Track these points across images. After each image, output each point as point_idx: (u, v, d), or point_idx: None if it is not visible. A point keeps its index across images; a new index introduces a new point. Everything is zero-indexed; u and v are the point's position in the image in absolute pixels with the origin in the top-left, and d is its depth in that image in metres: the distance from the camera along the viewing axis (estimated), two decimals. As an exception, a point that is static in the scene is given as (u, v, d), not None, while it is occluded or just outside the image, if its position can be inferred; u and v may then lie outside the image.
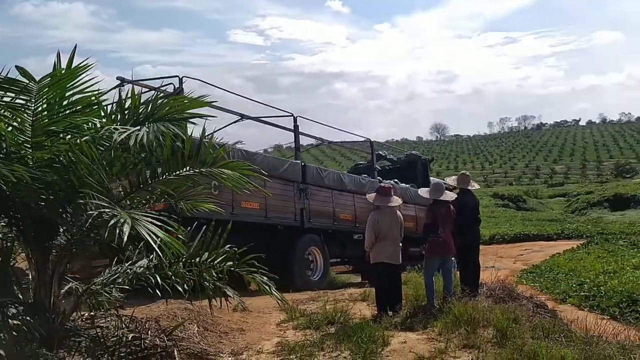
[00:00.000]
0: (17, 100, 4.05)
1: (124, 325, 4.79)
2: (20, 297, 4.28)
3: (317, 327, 6.16)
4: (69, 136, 4.13)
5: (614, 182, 52.43)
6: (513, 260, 18.09)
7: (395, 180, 13.92)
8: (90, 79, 4.09)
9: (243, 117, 11.18)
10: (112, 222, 3.28)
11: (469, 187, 8.09)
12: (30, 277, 4.33)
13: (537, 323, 5.85)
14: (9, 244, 4.38)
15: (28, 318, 3.91)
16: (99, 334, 4.41)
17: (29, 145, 4.01)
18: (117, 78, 8.18)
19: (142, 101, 4.46)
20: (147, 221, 3.39)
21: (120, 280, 4.62)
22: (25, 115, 4.02)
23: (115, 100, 4.44)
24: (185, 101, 4.47)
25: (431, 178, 14.93)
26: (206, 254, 4.59)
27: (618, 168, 66.82)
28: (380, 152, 16.18)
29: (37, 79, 4.01)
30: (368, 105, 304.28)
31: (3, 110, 4.04)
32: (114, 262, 4.86)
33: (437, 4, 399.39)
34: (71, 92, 4.12)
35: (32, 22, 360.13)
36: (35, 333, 3.82)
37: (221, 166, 4.51)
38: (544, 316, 6.75)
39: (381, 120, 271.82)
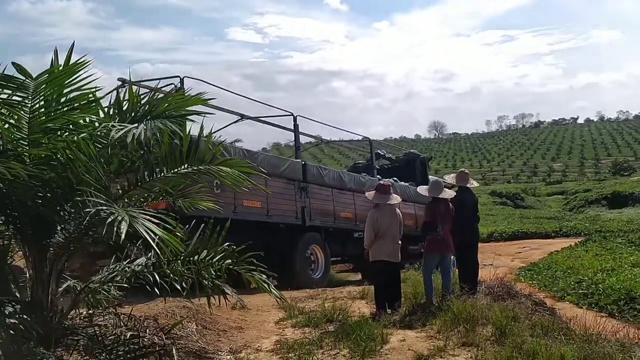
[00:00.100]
0: (14, 98, 4.02)
1: (122, 324, 4.77)
2: (18, 295, 4.26)
3: (316, 325, 6.15)
4: (67, 133, 4.11)
5: (611, 180, 52.58)
6: (511, 258, 18.09)
7: (395, 178, 13.93)
8: (88, 76, 4.07)
9: (243, 117, 11.20)
10: (109, 219, 3.26)
11: (468, 185, 8.08)
12: (27, 275, 4.31)
13: (536, 321, 5.84)
14: (6, 242, 4.35)
15: (25, 316, 3.89)
16: (97, 332, 4.39)
17: (25, 143, 3.98)
18: (119, 79, 8.14)
19: (140, 99, 4.44)
20: (145, 219, 3.37)
21: (118, 278, 4.60)
22: (22, 112, 3.99)
23: (113, 98, 4.42)
24: (183, 98, 4.44)
25: (430, 176, 14.93)
26: (205, 252, 4.57)
27: (616, 166, 66.94)
28: (379, 151, 16.18)
29: (34, 76, 3.99)
30: (366, 103, 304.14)
31: (0, 108, 4.02)
32: (112, 260, 4.86)
33: (435, 2, 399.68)
34: (69, 89, 4.09)
35: (30, 19, 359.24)
36: (33, 331, 3.80)
37: (220, 164, 4.49)
38: (542, 314, 6.74)
39: (379, 119, 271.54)
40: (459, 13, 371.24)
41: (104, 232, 3.38)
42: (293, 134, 11.86)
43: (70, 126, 4.15)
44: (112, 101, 4.33)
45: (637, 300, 9.49)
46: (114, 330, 4.63)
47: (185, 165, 4.38)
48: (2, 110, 4.04)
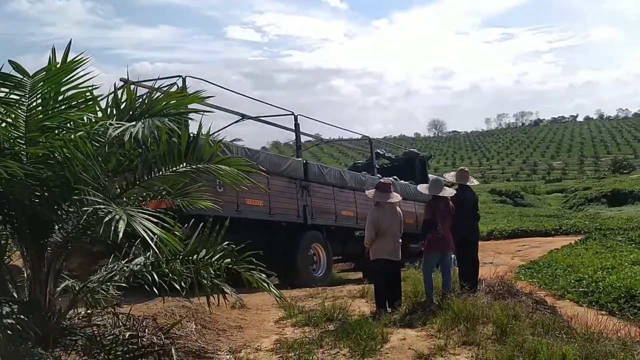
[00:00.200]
0: (12, 96, 3.99)
1: (121, 323, 4.73)
2: (15, 295, 4.22)
3: (315, 324, 6.13)
4: (64, 132, 4.07)
5: (611, 178, 52.61)
6: (511, 256, 18.08)
7: (395, 177, 13.93)
8: (86, 74, 4.03)
9: (244, 117, 11.20)
10: (107, 218, 3.23)
11: (468, 183, 8.06)
12: (25, 275, 4.28)
13: (537, 320, 5.82)
14: (3, 241, 4.32)
15: (22, 317, 3.86)
16: (96, 332, 4.36)
17: (23, 141, 3.94)
18: (121, 79, 8.10)
19: (139, 98, 4.40)
20: (143, 218, 3.34)
21: (117, 277, 4.57)
22: (20, 110, 3.96)
23: (111, 96, 4.38)
24: (181, 97, 4.40)
25: (429, 175, 14.93)
26: (204, 251, 4.54)
27: (615, 164, 66.98)
28: (379, 151, 16.18)
29: (32, 74, 3.95)
30: (365, 101, 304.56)
31: (-3, 106, 3.98)
32: (110, 260, 4.83)
33: (435, 0, 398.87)
34: (66, 87, 4.06)
35: (29, 19, 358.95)
36: (30, 332, 3.77)
37: (219, 162, 4.46)
38: (543, 313, 6.72)
39: (378, 117, 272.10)
40: (458, 11, 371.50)
41: (101, 231, 3.34)
42: (293, 133, 11.88)
43: (68, 124, 4.11)
44: (108, 98, 4.29)
45: (638, 298, 9.47)
46: (113, 330, 4.60)
47: (184, 164, 4.35)
48: (0, 109, 4.00)
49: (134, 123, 3.84)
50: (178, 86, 8.30)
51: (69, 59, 3.96)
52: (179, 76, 8.44)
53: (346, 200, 11.94)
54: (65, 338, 4.18)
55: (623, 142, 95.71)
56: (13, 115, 4.00)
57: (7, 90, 3.96)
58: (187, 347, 5.09)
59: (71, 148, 3.85)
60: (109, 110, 4.25)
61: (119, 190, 4.28)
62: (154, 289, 4.40)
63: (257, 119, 11.81)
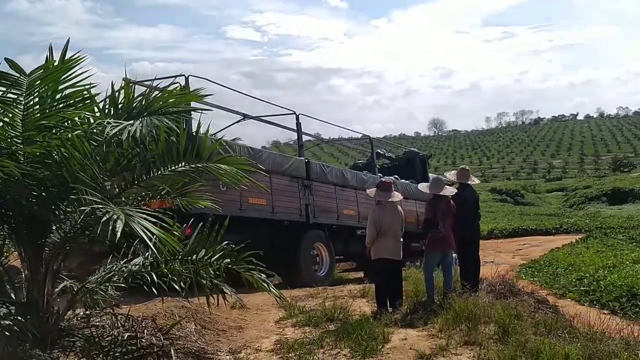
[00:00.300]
0: (9, 95, 3.95)
1: (119, 324, 4.70)
2: (13, 296, 4.19)
3: (316, 324, 6.09)
4: (61, 131, 4.03)
5: (611, 177, 52.62)
6: (512, 255, 18.05)
7: (396, 176, 13.92)
8: (83, 72, 3.99)
9: (246, 117, 11.19)
10: (104, 218, 3.19)
11: (469, 182, 8.02)
12: (23, 275, 4.24)
13: (539, 319, 5.78)
14: (0, 242, 4.28)
15: (20, 318, 3.82)
16: (94, 333, 4.32)
17: (19, 141, 3.90)
18: (123, 79, 8.04)
19: (137, 97, 4.36)
20: (141, 218, 3.30)
21: (115, 278, 4.54)
22: (16, 109, 3.92)
23: (108, 95, 4.34)
24: (180, 95, 4.36)
25: (430, 174, 14.92)
26: (203, 251, 4.50)
27: (616, 162, 67.00)
28: (379, 151, 16.16)
29: (28, 72, 3.91)
30: (365, 100, 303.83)
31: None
32: (109, 260, 4.79)
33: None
34: (64, 85, 4.02)
35: (28, 18, 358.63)
36: (28, 333, 3.73)
37: (218, 161, 4.42)
38: (546, 312, 6.68)
39: (378, 116, 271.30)
40: (458, 10, 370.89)
41: (99, 231, 3.30)
42: (292, 132, 11.89)
43: (65, 123, 4.07)
44: (106, 97, 4.25)
45: (639, 296, 9.44)
46: (112, 331, 4.56)
47: (183, 163, 4.31)
48: (-4, 108, 3.97)
49: (132, 122, 3.80)
50: (181, 85, 8.27)
51: (67, 58, 3.93)
52: (182, 75, 8.40)
53: (348, 199, 11.96)
54: (63, 339, 4.15)
55: (623, 140, 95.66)
56: (10, 115, 3.96)
57: (4, 89, 3.93)
58: (187, 347, 5.06)
59: (68, 147, 3.81)
60: (106, 109, 4.21)
61: (117, 189, 4.24)
62: (153, 290, 4.37)
63: (259, 118, 11.82)
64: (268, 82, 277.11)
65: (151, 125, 3.85)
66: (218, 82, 10.07)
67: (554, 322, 5.70)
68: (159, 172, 4.23)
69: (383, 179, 8.02)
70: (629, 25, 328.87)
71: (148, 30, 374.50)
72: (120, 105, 4.18)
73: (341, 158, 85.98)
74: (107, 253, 4.99)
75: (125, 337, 4.48)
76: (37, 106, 3.99)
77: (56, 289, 4.37)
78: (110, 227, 3.13)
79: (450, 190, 7.57)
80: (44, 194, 3.97)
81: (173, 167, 4.27)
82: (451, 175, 8.37)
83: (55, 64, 3.92)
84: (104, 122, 3.85)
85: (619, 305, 9.35)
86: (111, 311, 4.84)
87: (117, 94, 4.21)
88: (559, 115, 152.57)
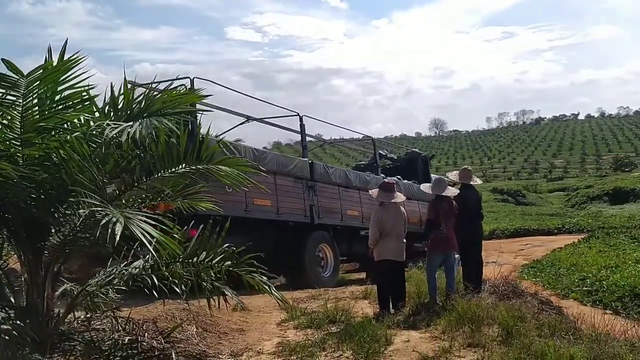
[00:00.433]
0: (8, 97, 3.91)
1: (120, 328, 4.66)
2: (12, 300, 4.15)
3: (318, 326, 6.05)
4: (60, 133, 3.99)
5: (613, 176, 52.55)
6: (514, 255, 17.97)
7: (398, 177, 13.91)
8: (82, 73, 3.96)
9: (249, 118, 11.18)
10: (103, 221, 3.15)
11: (471, 182, 7.97)
12: (23, 279, 4.20)
13: (543, 320, 5.73)
14: (-1, 245, 4.25)
15: (19, 322, 3.78)
16: (94, 337, 4.29)
17: (18, 143, 3.87)
18: (129, 82, 7.98)
19: (136, 98, 4.32)
20: (141, 220, 3.26)
21: (116, 281, 4.50)
22: (15, 111, 3.88)
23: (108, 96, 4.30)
24: (179, 96, 4.31)
25: (432, 175, 14.89)
26: (204, 253, 4.46)
27: (617, 162, 66.93)
28: (381, 152, 16.14)
29: (26, 73, 3.87)
30: (366, 101, 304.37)
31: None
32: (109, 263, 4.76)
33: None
34: (62, 87, 3.99)
35: (29, 20, 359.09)
36: (27, 337, 3.69)
37: (219, 163, 4.38)
38: (549, 313, 6.63)
39: (379, 116, 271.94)
40: (458, 10, 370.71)
41: (98, 234, 3.26)
42: (295, 133, 11.90)
43: (64, 125, 4.04)
44: (106, 99, 4.20)
45: (642, 296, 9.39)
46: (112, 334, 4.53)
47: (183, 165, 4.27)
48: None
49: (131, 123, 3.76)
50: (186, 87, 8.23)
51: (65, 59, 3.89)
52: (187, 77, 8.37)
53: (351, 200, 11.97)
54: (63, 343, 4.12)
55: (624, 140, 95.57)
56: (9, 117, 3.93)
57: (3, 90, 3.89)
58: (188, 351, 5.01)
59: (67, 149, 3.78)
60: (106, 110, 4.17)
61: (117, 192, 4.20)
62: (154, 292, 4.34)
63: (262, 120, 11.81)
64: (269, 83, 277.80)
65: (151, 126, 3.81)
66: (221, 83, 10.07)
67: (558, 324, 5.65)
68: (159, 174, 4.19)
69: (386, 180, 7.97)
70: (630, 24, 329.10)
71: (149, 31, 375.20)
72: (119, 107, 4.13)
73: (342, 159, 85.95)
74: (107, 256, 4.96)
75: (126, 340, 4.45)
76: (36, 108, 3.96)
77: (56, 292, 4.34)
78: (110, 230, 3.10)
79: (452, 191, 7.53)
80: (42, 196, 3.94)
81: (173, 169, 4.23)
82: (453, 175, 8.32)
83: (54, 64, 3.88)
84: (104, 123, 3.81)
85: (622, 305, 9.30)
86: (112, 314, 4.79)
87: (116, 95, 4.17)
88: (560, 115, 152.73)
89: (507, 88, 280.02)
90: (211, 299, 4.51)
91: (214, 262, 4.44)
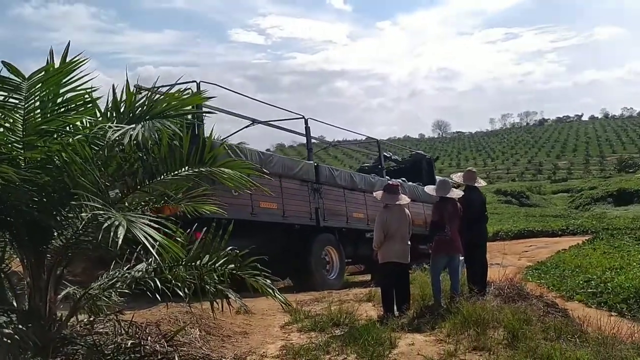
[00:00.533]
0: (10, 100, 3.89)
1: (123, 331, 4.63)
2: (15, 303, 4.13)
3: (322, 329, 6.02)
4: (62, 136, 3.97)
5: (617, 177, 52.40)
6: (518, 257, 17.89)
7: (403, 179, 13.89)
8: (85, 76, 3.93)
9: (255, 121, 11.17)
10: (106, 224, 3.12)
11: (476, 184, 7.93)
12: (25, 282, 4.18)
13: (549, 323, 5.69)
14: (1, 248, 4.23)
15: (21, 326, 3.75)
16: (97, 341, 4.26)
17: (20, 146, 3.84)
18: (135, 86, 7.98)
19: (139, 100, 4.29)
20: (143, 223, 3.23)
21: (119, 284, 4.47)
22: (17, 114, 3.86)
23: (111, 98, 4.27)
24: (182, 98, 4.28)
25: (437, 176, 14.86)
26: (207, 256, 4.43)
27: (621, 163, 66.77)
28: (385, 154, 16.12)
29: (27, 76, 3.86)
30: (369, 103, 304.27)
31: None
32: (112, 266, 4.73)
33: (439, 1, 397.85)
34: (64, 89, 3.96)
35: (32, 24, 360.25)
36: (29, 342, 3.66)
37: (222, 165, 4.35)
38: (555, 316, 6.58)
39: (383, 118, 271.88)
40: (461, 12, 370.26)
41: (100, 237, 3.23)
42: (298, 136, 11.87)
43: (66, 128, 4.02)
44: (109, 101, 4.18)
45: (647, 298, 9.32)
46: (115, 338, 4.50)
47: (186, 167, 4.24)
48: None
49: (133, 125, 3.73)
50: (192, 91, 8.19)
51: (67, 61, 3.87)
52: (194, 81, 8.36)
53: (357, 202, 11.97)
54: (65, 347, 4.09)
55: (628, 141, 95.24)
56: (11, 120, 3.91)
57: (5, 94, 3.87)
58: (191, 354, 4.98)
59: (70, 152, 3.75)
60: (108, 112, 4.15)
61: (119, 195, 4.17)
62: (157, 295, 4.31)
63: (267, 123, 11.81)
64: (272, 86, 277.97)
65: (153, 129, 3.78)
66: (225, 86, 10.07)
67: (564, 327, 5.62)
68: (162, 176, 4.17)
69: (390, 182, 7.94)
70: (634, 25, 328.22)
71: (152, 35, 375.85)
72: (122, 109, 4.11)
73: (345, 161, 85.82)
74: (110, 259, 4.93)
75: (129, 344, 4.42)
76: (38, 110, 3.93)
77: (59, 296, 4.31)
78: (112, 233, 3.07)
79: (457, 193, 7.50)
80: (45, 199, 3.91)
81: (176, 172, 4.20)
82: (458, 177, 8.29)
83: (56, 66, 3.86)
84: (106, 126, 3.79)
85: (627, 307, 9.23)
86: (114, 318, 4.77)
87: (119, 97, 4.14)
88: (563, 116, 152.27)
89: (511, 89, 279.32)
90: (214, 302, 4.48)
91: (217, 265, 4.41)
